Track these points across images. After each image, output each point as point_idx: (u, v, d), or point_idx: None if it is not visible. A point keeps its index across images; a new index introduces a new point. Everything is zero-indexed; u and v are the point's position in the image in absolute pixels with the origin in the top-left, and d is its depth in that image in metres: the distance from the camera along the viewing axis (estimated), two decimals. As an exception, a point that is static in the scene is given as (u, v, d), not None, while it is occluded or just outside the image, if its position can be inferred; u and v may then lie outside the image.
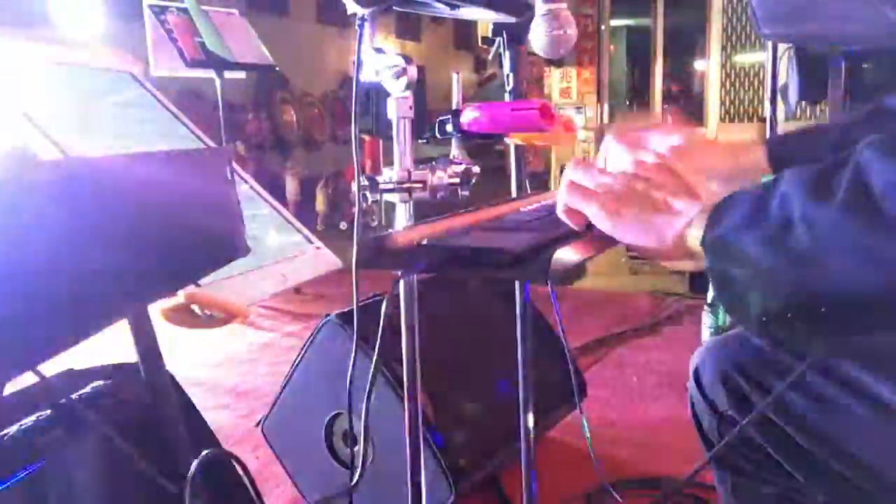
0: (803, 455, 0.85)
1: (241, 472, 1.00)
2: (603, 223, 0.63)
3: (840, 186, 0.47)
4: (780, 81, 2.71)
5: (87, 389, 1.05)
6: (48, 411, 0.96)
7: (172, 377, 1.12)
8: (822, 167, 0.50)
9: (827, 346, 0.73)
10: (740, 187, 0.57)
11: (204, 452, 0.87)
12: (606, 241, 0.65)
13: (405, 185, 0.90)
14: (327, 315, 1.70)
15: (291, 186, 6.53)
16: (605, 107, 6.08)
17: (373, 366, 0.90)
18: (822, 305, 0.49)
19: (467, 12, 1.05)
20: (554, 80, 6.07)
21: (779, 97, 2.72)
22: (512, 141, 1.12)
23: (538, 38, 1.05)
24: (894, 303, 0.47)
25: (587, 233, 0.66)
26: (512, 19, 1.09)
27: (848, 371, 0.83)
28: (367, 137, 0.94)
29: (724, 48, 5.37)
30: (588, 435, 1.39)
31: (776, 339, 0.56)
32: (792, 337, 0.55)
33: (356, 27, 0.84)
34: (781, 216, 0.50)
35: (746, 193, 0.55)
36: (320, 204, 6.53)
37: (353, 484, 0.98)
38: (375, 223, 4.57)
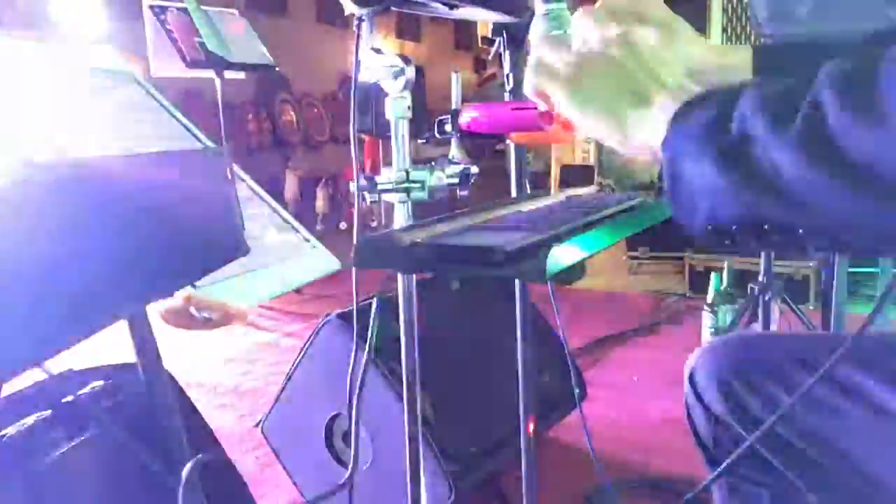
0: (799, 458, 0.85)
1: (234, 472, 1.00)
2: (568, 111, 0.61)
3: (798, 117, 0.47)
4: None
5: (87, 389, 1.05)
6: (48, 411, 0.96)
7: (172, 377, 1.12)
8: (787, 89, 0.49)
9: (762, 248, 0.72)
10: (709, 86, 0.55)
11: (197, 456, 0.87)
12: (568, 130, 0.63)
13: (403, 186, 0.90)
14: (327, 315, 1.70)
15: (291, 185, 6.53)
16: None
17: (364, 363, 0.90)
18: (767, 225, 0.50)
19: (467, 12, 1.05)
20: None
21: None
22: (512, 141, 1.12)
23: (538, 38, 1.05)
24: (836, 229, 0.48)
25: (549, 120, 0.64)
26: (512, 19, 1.09)
27: (845, 374, 0.83)
28: (366, 137, 0.94)
29: (724, 48, 5.37)
30: (588, 435, 1.39)
31: (715, 242, 0.55)
32: (732, 242, 0.54)
33: (355, 27, 0.85)
34: (740, 134, 0.49)
35: (711, 101, 0.54)
36: (320, 204, 6.53)
37: (347, 478, 0.98)
38: (375, 223, 4.57)
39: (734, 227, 0.51)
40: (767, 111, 0.48)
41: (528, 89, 0.64)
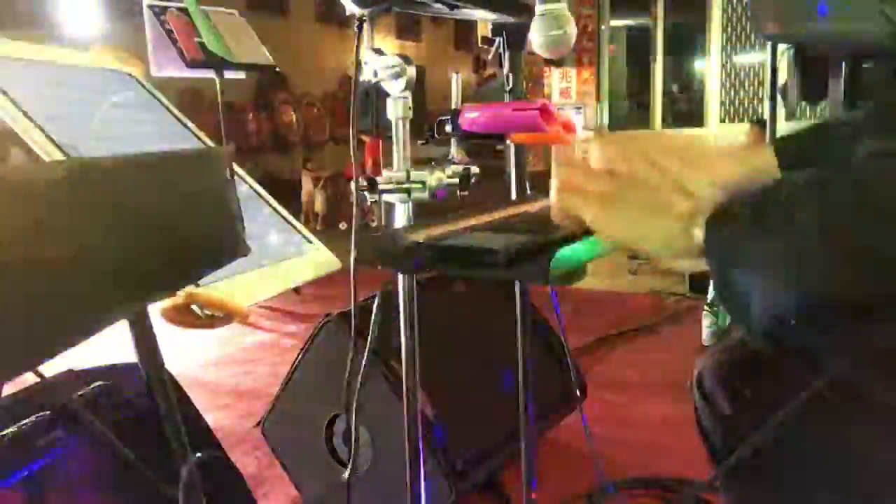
0: (807, 458, 0.85)
1: (234, 472, 1.00)
2: (601, 227, 0.62)
3: (839, 189, 0.48)
4: (780, 81, 2.71)
5: (87, 389, 1.05)
6: (48, 411, 0.96)
7: (172, 377, 1.11)
8: (823, 170, 0.51)
9: (826, 345, 0.73)
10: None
11: (196, 456, 0.87)
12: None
13: (404, 186, 0.90)
14: (327, 315, 1.70)
15: (307, 187, 6.53)
16: (605, 107, 6.08)
17: (363, 363, 0.90)
18: (824, 309, 0.50)
19: (467, 12, 1.05)
20: (554, 80, 6.07)
21: (779, 97, 2.72)
22: (512, 141, 1.12)
23: (538, 38, 1.05)
24: (891, 305, 0.49)
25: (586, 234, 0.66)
26: (512, 19, 1.09)
27: (850, 374, 0.82)
28: (366, 138, 0.94)
29: (724, 48, 5.37)
30: (588, 435, 1.39)
31: (777, 341, 0.56)
32: (793, 339, 0.55)
33: (356, 27, 0.85)
34: (784, 219, 0.50)
35: (747, 196, 0.55)
36: (319, 204, 6.53)
37: (346, 478, 0.98)
38: (375, 223, 4.57)
39: (791, 318, 0.52)
40: (808, 190, 0.49)
41: (554, 211, 0.66)
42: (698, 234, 0.57)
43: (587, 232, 0.65)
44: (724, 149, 0.69)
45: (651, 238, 0.60)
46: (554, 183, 0.66)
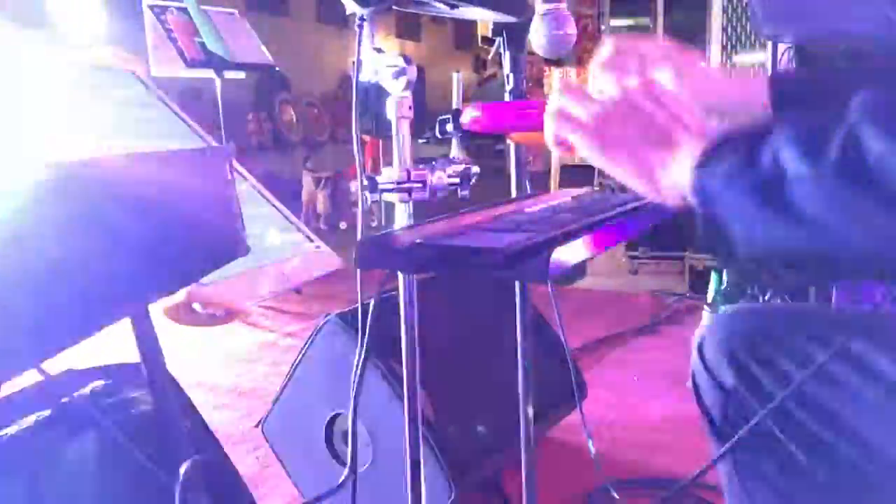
0: (806, 433, 0.85)
1: (234, 472, 1.00)
2: (592, 155, 0.62)
3: (833, 149, 0.47)
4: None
5: (87, 389, 1.05)
6: (48, 411, 0.96)
7: (172, 377, 1.11)
8: (816, 123, 0.50)
9: (800, 283, 0.73)
10: (733, 121, 0.56)
11: (195, 455, 0.87)
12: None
13: (405, 185, 0.90)
14: (327, 315, 1.70)
15: (307, 187, 6.53)
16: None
17: (361, 363, 0.90)
18: (806, 259, 0.51)
19: (467, 12, 1.05)
20: (554, 80, 6.07)
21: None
22: (512, 141, 1.12)
23: (538, 38, 1.05)
24: (877, 263, 0.49)
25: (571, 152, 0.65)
26: (512, 19, 1.09)
27: (859, 351, 0.82)
28: (367, 137, 0.94)
29: (724, 48, 5.37)
30: (588, 435, 1.39)
31: (752, 277, 0.57)
32: (770, 277, 0.56)
33: (356, 27, 0.84)
34: (773, 170, 0.50)
35: (739, 138, 0.54)
36: (321, 204, 6.53)
37: (346, 478, 0.98)
38: (375, 223, 4.57)
39: (772, 262, 0.53)
40: (800, 145, 0.49)
41: (548, 137, 0.65)
42: (687, 170, 0.56)
43: (578, 156, 0.64)
44: (718, 71, 0.68)
45: (642, 169, 0.59)
46: (549, 107, 0.65)
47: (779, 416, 0.86)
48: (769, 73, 0.73)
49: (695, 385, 0.97)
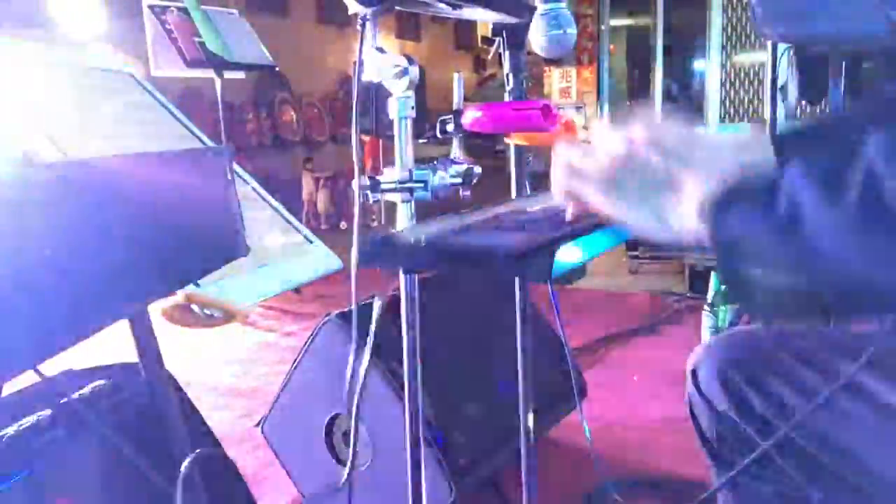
0: (802, 455, 0.85)
1: (234, 472, 1.00)
2: (603, 206, 0.62)
3: (850, 185, 0.47)
4: (780, 81, 2.71)
5: (87, 389, 1.05)
6: (48, 411, 0.96)
7: (172, 377, 1.12)
8: (831, 163, 0.50)
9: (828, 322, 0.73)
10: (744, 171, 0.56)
11: (195, 452, 0.87)
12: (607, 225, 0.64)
13: (406, 185, 0.90)
14: (327, 315, 1.69)
15: (307, 187, 6.53)
16: (605, 107, 6.08)
17: (364, 365, 0.90)
18: (831, 298, 0.50)
19: (468, 12, 1.04)
20: (554, 80, 6.07)
21: (779, 97, 2.72)
22: (512, 141, 1.12)
23: (538, 38, 1.05)
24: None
25: (595, 228, 0.65)
26: (512, 19, 1.09)
27: (845, 371, 0.83)
28: (366, 137, 0.94)
29: (724, 48, 5.37)
30: (588, 435, 1.39)
31: (778, 320, 0.57)
32: (796, 320, 0.56)
33: (358, 27, 0.84)
34: (790, 210, 0.50)
35: (753, 181, 0.55)
36: (320, 204, 6.53)
37: (345, 478, 0.98)
38: (376, 223, 4.57)
39: (796, 305, 0.53)
40: (816, 183, 0.49)
41: (556, 192, 0.66)
42: (700, 221, 0.56)
43: (588, 209, 0.64)
44: (723, 138, 0.69)
45: (655, 216, 0.60)
46: (555, 164, 0.66)
47: (770, 435, 0.86)
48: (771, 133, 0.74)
49: (690, 409, 0.98)
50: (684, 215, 0.58)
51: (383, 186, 0.89)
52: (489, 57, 1.15)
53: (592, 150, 0.65)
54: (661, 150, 0.61)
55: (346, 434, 1.68)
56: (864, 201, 0.47)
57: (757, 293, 0.53)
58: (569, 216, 0.68)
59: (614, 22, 6.55)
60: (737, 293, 0.56)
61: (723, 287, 0.68)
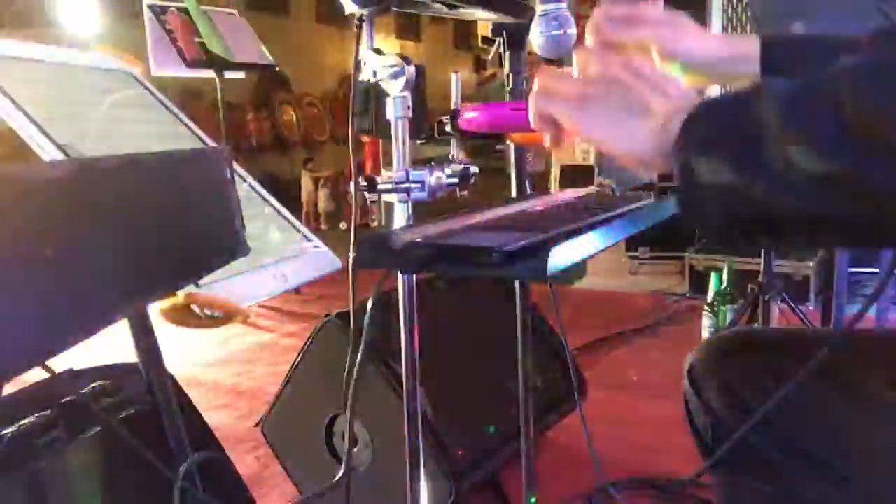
0: (799, 453, 0.85)
1: (233, 472, 1.00)
2: (576, 124, 0.62)
3: (816, 115, 0.47)
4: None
5: (87, 389, 1.05)
6: (48, 411, 0.96)
7: (172, 377, 1.12)
8: (801, 90, 0.50)
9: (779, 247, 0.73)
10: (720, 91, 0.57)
11: (195, 455, 0.87)
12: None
13: (404, 186, 0.90)
14: (327, 315, 1.70)
15: (307, 187, 6.54)
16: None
17: (358, 364, 0.90)
18: (786, 224, 0.51)
19: (467, 12, 1.05)
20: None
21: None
22: (512, 141, 1.12)
23: (538, 38, 1.05)
24: (859, 226, 0.49)
25: (559, 135, 0.65)
26: (512, 19, 1.09)
27: (844, 370, 0.83)
28: (366, 138, 0.94)
29: (724, 48, 5.37)
30: (588, 435, 1.39)
31: (730, 241, 0.56)
32: (748, 241, 0.55)
33: (355, 27, 0.85)
34: (754, 136, 0.50)
35: (721, 105, 0.55)
36: (320, 204, 6.54)
37: (340, 476, 0.98)
38: (375, 223, 4.56)
39: (750, 228, 0.52)
40: (784, 109, 0.49)
41: (533, 116, 0.66)
42: (669, 136, 0.56)
43: (562, 133, 0.64)
44: (706, 31, 0.69)
45: (627, 138, 0.60)
46: (534, 88, 0.66)
47: (769, 436, 0.86)
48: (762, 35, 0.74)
49: (686, 409, 0.98)
50: (656, 140, 0.58)
51: (381, 187, 0.89)
52: (489, 57, 1.15)
53: (570, 74, 0.65)
54: (639, 72, 0.61)
55: (346, 434, 1.68)
56: (824, 120, 0.46)
57: (713, 218, 0.53)
58: (546, 143, 0.68)
59: (614, 22, 6.55)
60: (691, 212, 0.55)
61: (682, 210, 0.65)
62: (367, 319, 0.89)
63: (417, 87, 0.89)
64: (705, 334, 2.86)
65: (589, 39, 0.74)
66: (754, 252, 2.97)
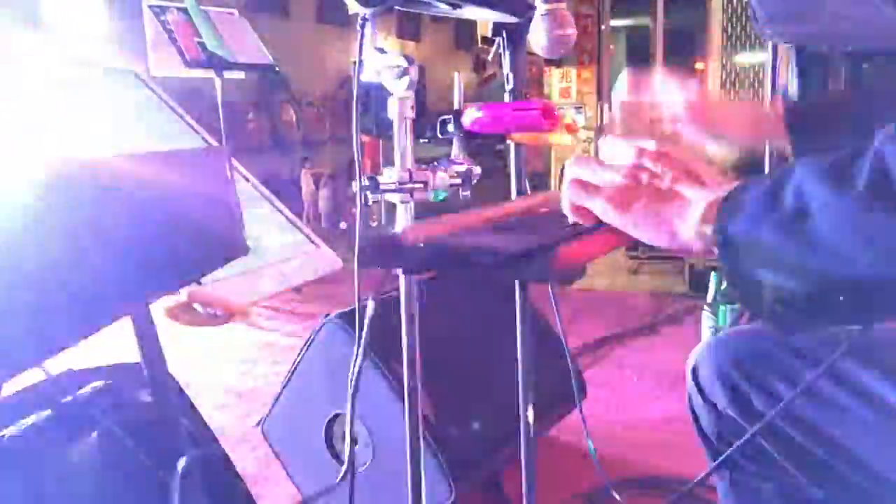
0: (803, 453, 0.85)
1: (233, 471, 1.00)
2: (612, 218, 0.62)
3: (860, 175, 0.47)
4: (780, 81, 2.71)
5: (87, 389, 1.05)
6: (48, 411, 0.96)
7: (173, 377, 1.11)
8: (839, 156, 0.50)
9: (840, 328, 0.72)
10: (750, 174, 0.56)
11: (192, 452, 0.87)
12: (617, 236, 0.64)
13: (406, 186, 0.90)
14: (327, 315, 1.69)
15: (307, 186, 6.54)
16: (605, 107, 6.08)
17: (358, 364, 0.90)
18: (841, 294, 0.49)
19: (468, 12, 1.04)
20: (554, 80, 6.07)
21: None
22: (512, 141, 1.12)
23: (538, 38, 1.04)
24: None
25: (597, 229, 0.66)
26: (512, 19, 1.09)
27: (848, 369, 0.83)
28: (366, 138, 0.94)
29: (724, 48, 5.37)
30: (588, 435, 1.39)
31: (788, 327, 0.55)
32: (806, 324, 0.54)
33: (358, 27, 0.84)
34: (797, 205, 0.49)
35: (758, 182, 0.54)
36: (320, 204, 6.54)
37: (341, 478, 0.98)
38: (376, 223, 4.57)
39: (805, 303, 0.51)
40: (825, 178, 0.48)
41: (566, 206, 0.66)
42: (708, 221, 0.56)
43: (598, 222, 0.64)
44: (735, 106, 0.69)
45: (661, 224, 0.60)
46: (565, 179, 0.66)
47: (773, 435, 0.86)
48: (776, 100, 0.74)
49: (691, 408, 0.98)
50: (693, 222, 0.58)
51: (383, 187, 0.89)
52: (489, 57, 1.15)
53: (601, 164, 0.66)
54: (673, 162, 0.61)
55: (346, 434, 1.68)
56: (872, 191, 0.46)
57: (766, 297, 0.52)
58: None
59: (614, 22, 6.55)
60: (746, 298, 0.55)
61: (733, 293, 0.66)
62: (367, 319, 0.89)
63: (418, 87, 0.89)
64: (705, 334, 2.86)
65: (616, 128, 0.74)
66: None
